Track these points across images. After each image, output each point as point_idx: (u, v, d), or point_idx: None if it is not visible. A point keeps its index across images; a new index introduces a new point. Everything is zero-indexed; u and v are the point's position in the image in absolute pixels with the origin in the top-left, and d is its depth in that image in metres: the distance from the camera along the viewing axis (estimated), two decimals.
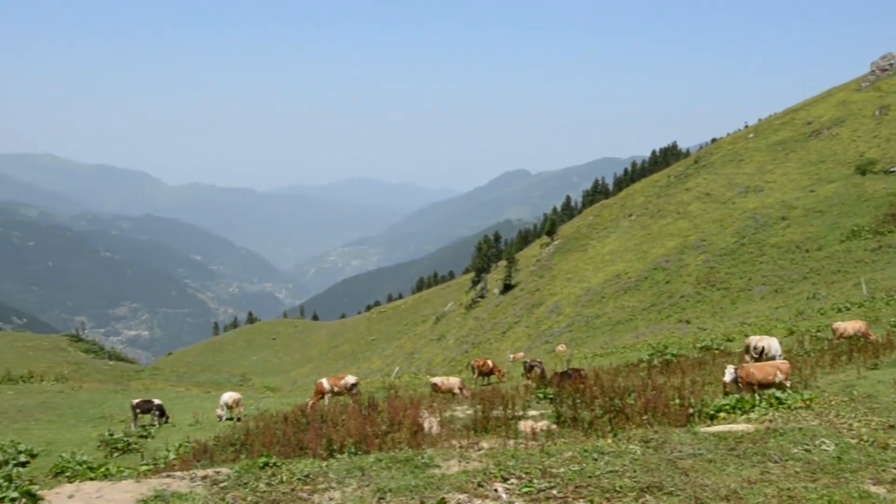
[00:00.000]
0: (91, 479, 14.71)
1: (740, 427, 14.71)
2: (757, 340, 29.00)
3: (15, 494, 10.89)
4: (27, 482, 13.66)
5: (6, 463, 24.97)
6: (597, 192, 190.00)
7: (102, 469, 18.48)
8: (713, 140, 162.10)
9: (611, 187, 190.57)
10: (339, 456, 14.32)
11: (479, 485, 11.13)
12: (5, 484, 13.72)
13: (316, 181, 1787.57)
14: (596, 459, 12.24)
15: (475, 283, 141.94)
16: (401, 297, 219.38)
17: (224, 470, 12.30)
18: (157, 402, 33.82)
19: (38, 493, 10.88)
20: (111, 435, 29.03)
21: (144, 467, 19.64)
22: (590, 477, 11.39)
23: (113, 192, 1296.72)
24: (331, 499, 10.87)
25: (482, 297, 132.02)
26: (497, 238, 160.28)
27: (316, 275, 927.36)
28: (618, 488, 10.88)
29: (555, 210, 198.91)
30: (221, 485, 11.51)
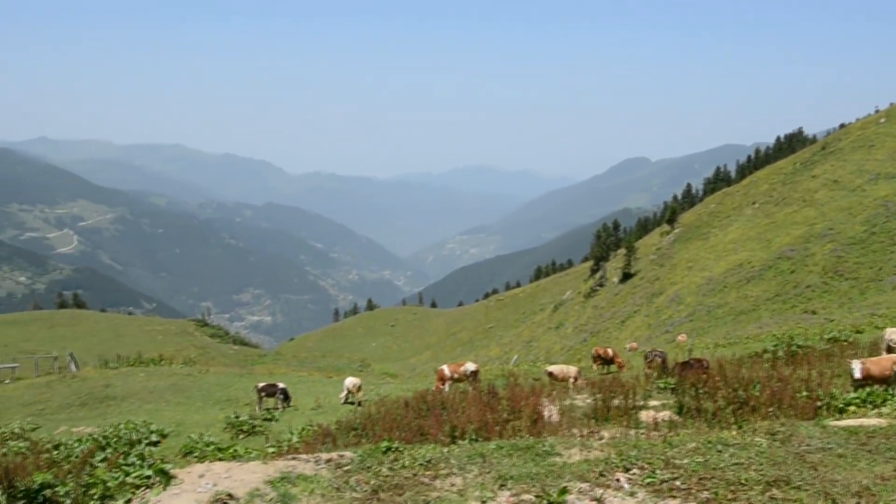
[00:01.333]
0: (220, 459, 15.09)
1: (872, 421, 14.25)
2: (892, 332, 28.05)
3: (149, 472, 11.25)
4: (159, 461, 14.11)
5: (139, 442, 25.87)
6: (719, 180, 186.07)
7: (231, 450, 18.96)
8: (841, 125, 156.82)
9: (733, 174, 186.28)
10: (460, 442, 14.39)
11: (601, 474, 11.03)
12: (139, 462, 14.22)
13: (435, 169, 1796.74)
14: (720, 451, 11.99)
15: (594, 271, 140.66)
16: (518, 285, 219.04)
17: (347, 454, 12.47)
18: (281, 386, 34.51)
19: (171, 471, 11.21)
20: (237, 417, 29.80)
21: (271, 449, 20.07)
22: (714, 469, 11.17)
23: (237, 181, 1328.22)
24: (452, 484, 10.91)
25: (601, 285, 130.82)
26: (616, 226, 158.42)
27: (434, 262, 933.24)
28: (743, 481, 10.65)
29: (675, 198, 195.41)
30: (345, 468, 11.68)
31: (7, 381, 49.18)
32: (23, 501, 10.57)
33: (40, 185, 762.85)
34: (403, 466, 11.65)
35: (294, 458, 12.27)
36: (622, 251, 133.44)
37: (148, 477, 11.19)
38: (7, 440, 27.92)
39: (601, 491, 10.46)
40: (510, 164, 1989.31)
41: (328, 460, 12.06)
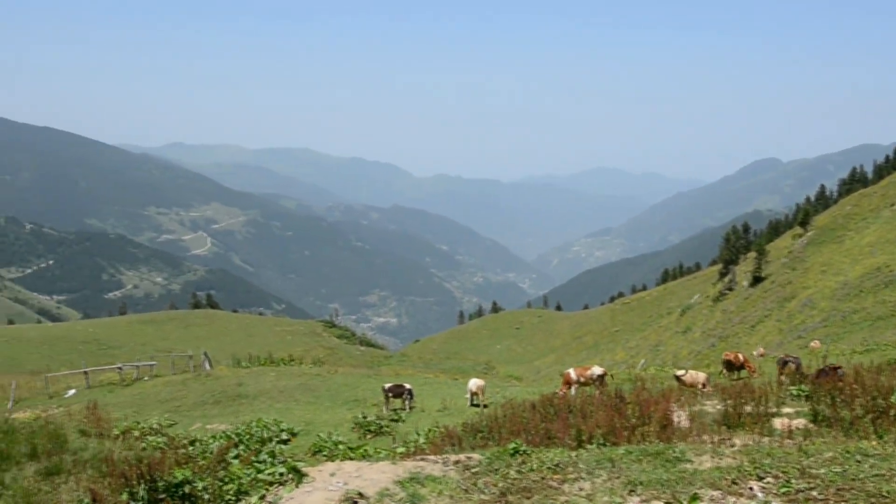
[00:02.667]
0: (350, 458, 15.33)
1: None
2: None
3: (282, 469, 11.51)
4: (289, 459, 14.41)
5: (270, 440, 26.49)
6: (854, 181, 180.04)
7: (361, 450, 19.24)
8: None
9: (870, 175, 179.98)
10: (587, 447, 14.28)
11: (734, 482, 10.80)
12: (270, 459, 14.56)
13: (561, 171, 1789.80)
14: (860, 462, 11.58)
15: (723, 275, 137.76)
16: (645, 288, 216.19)
17: (475, 456, 12.51)
18: (407, 387, 34.83)
19: (303, 469, 11.44)
20: (364, 417, 30.22)
21: (399, 450, 20.29)
22: (853, 480, 10.80)
23: (365, 184, 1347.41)
24: (581, 489, 10.84)
25: (730, 289, 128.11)
26: (746, 229, 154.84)
27: (559, 265, 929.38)
28: (885, 493, 10.26)
29: (808, 200, 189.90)
30: (473, 470, 11.72)
31: (146, 379, 50.95)
32: (163, 495, 10.94)
33: (176, 189, 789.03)
34: (531, 470, 11.62)
35: (422, 459, 12.38)
36: (752, 254, 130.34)
37: (281, 474, 11.45)
38: (146, 435, 28.93)
39: (734, 499, 10.24)
40: (637, 165, 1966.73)
41: (456, 462, 12.12)
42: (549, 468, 11.65)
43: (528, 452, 12.55)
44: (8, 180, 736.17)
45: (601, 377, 31.57)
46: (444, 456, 12.62)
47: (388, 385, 35.37)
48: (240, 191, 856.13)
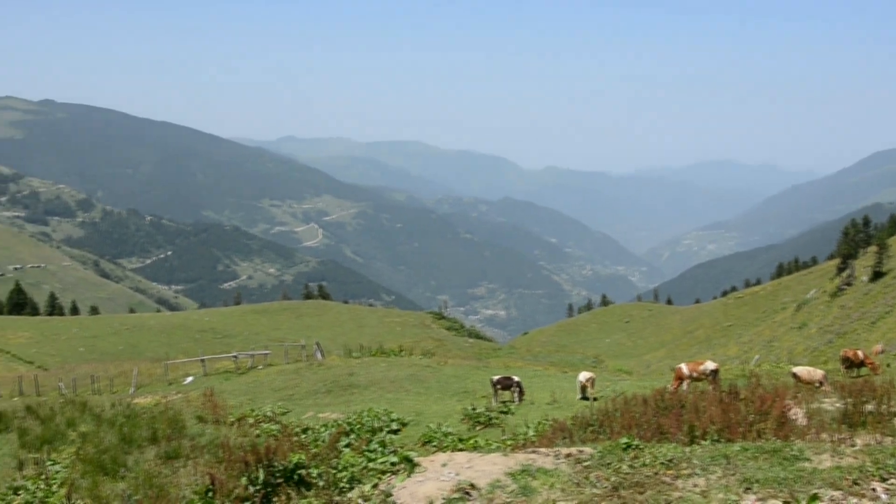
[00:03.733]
0: (461, 450, 15.40)
1: None
2: None
3: (395, 459, 11.65)
4: (400, 448, 14.56)
5: (380, 430, 26.77)
6: None
7: (471, 441, 19.32)
8: None
9: None
10: (701, 443, 14.07)
11: (855, 482, 10.50)
12: (380, 449, 14.73)
13: (674, 163, 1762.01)
14: None
15: (841, 269, 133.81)
16: (759, 282, 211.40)
17: (587, 449, 12.44)
18: (516, 379, 34.77)
19: (415, 459, 11.55)
20: (474, 409, 30.28)
21: (510, 442, 20.31)
22: None
23: (474, 176, 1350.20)
24: (695, 485, 10.69)
25: (849, 284, 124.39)
26: (866, 222, 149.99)
27: (670, 258, 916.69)
28: None
29: None
30: (585, 464, 11.66)
31: (260, 367, 52.05)
32: (280, 480, 11.18)
33: (289, 182, 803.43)
34: (644, 465, 11.50)
35: (534, 452, 12.36)
36: (873, 248, 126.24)
37: (393, 463, 11.58)
38: (260, 422, 29.54)
39: (855, 500, 9.97)
40: (751, 157, 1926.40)
41: (567, 455, 12.08)
42: (662, 463, 11.52)
43: (641, 447, 12.42)
44: (129, 174, 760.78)
45: (714, 372, 31.03)
46: (556, 449, 12.58)
47: (496, 377, 35.37)
48: (351, 183, 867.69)
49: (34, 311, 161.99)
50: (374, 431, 26.08)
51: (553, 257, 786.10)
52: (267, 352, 58.18)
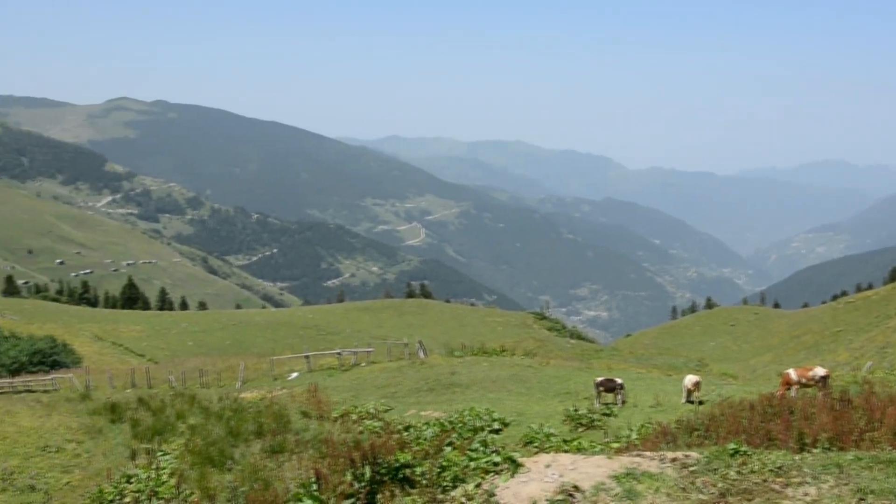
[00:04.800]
0: (565, 451, 15.35)
1: None
2: None
3: (498, 459, 11.65)
4: (501, 448, 14.55)
5: (482, 429, 26.78)
6: None
7: (575, 443, 19.25)
8: None
9: None
10: (812, 451, 13.73)
11: None
12: (482, 448, 14.72)
13: (782, 164, 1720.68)
14: None
15: None
16: (871, 286, 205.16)
17: (693, 454, 12.25)
18: (619, 381, 34.43)
19: (519, 459, 11.53)
20: (576, 410, 30.10)
21: (614, 444, 20.15)
22: None
23: (576, 176, 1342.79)
24: (805, 494, 10.44)
25: None
26: None
27: (777, 261, 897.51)
28: None
29: None
30: (691, 468, 11.48)
31: (363, 364, 52.59)
32: (385, 477, 11.29)
33: (392, 181, 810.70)
34: (752, 471, 11.27)
35: (638, 455, 12.23)
36: None
37: (496, 463, 11.58)
38: (363, 419, 29.88)
39: None
40: (862, 157, 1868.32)
41: (673, 459, 11.91)
42: (770, 470, 11.28)
43: (749, 453, 12.17)
44: (237, 172, 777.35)
45: (824, 378, 30.23)
46: (661, 453, 12.42)
47: (599, 379, 35.08)
48: (453, 183, 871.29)
49: (145, 306, 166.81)
50: (475, 431, 26.12)
51: (657, 259, 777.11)
52: (370, 349, 58.74)
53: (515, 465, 11.32)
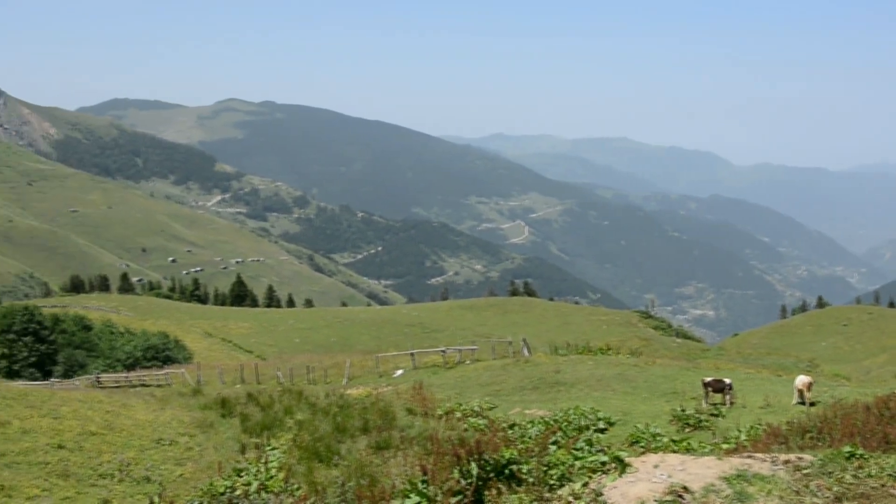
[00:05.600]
0: (673, 451, 15.14)
1: None
2: None
3: (605, 458, 11.55)
4: (606, 448, 14.42)
5: (587, 428, 26.63)
6: None
7: (684, 443, 18.99)
8: None
9: None
10: None
11: None
12: (587, 447, 14.61)
13: None
14: None
15: None
16: None
17: (807, 457, 11.95)
18: (727, 381, 33.85)
19: (626, 459, 11.41)
20: (683, 410, 29.70)
21: (725, 445, 19.81)
22: None
23: (682, 173, 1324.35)
24: None
25: None
26: None
27: (893, 259, 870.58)
28: None
29: None
30: (804, 471, 11.20)
31: (467, 362, 52.74)
32: (491, 474, 11.29)
33: (496, 179, 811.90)
34: (870, 475, 10.95)
35: (749, 457, 11.98)
36: None
37: (603, 463, 11.48)
38: (467, 416, 29.96)
39: None
40: None
41: (786, 461, 11.63)
42: (889, 475, 10.95)
43: (865, 457, 11.83)
44: (343, 171, 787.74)
45: None
46: (773, 455, 12.15)
47: (707, 379, 34.54)
48: (557, 180, 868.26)
49: (254, 303, 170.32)
50: (580, 430, 25.99)
51: (765, 257, 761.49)
52: (474, 347, 58.82)
53: (623, 465, 11.21)
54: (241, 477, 19.25)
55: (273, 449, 23.35)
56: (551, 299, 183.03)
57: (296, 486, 17.85)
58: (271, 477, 19.01)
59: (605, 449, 13.47)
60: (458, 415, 30.59)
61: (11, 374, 69.13)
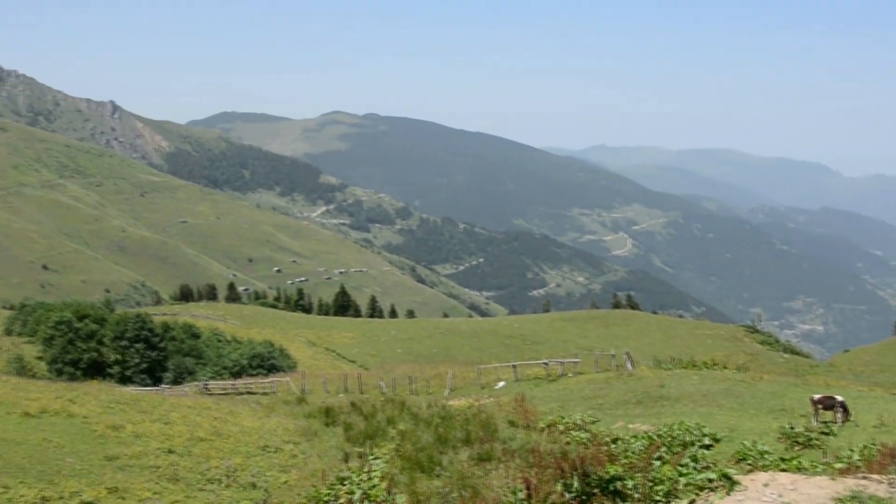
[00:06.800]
0: (783, 470, 14.75)
1: None
2: None
3: (712, 475, 11.32)
4: (712, 464, 14.13)
5: (692, 444, 26.13)
6: None
7: (794, 462, 18.47)
8: None
9: None
10: None
11: None
12: (692, 464, 14.35)
13: None
14: None
15: None
16: None
17: None
18: (839, 399, 32.91)
19: (735, 477, 11.17)
20: (792, 428, 28.92)
21: (838, 465, 19.23)
22: None
23: (790, 184, 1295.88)
24: None
25: None
26: None
27: None
28: None
29: None
30: None
31: (570, 375, 52.38)
32: (595, 489, 11.16)
33: (598, 191, 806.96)
34: None
35: (864, 478, 11.63)
36: None
37: (711, 480, 11.26)
38: (570, 430, 29.70)
39: None
40: None
41: None
42: None
43: None
44: (445, 183, 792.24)
45: None
46: (890, 476, 11.77)
47: (817, 396, 33.61)
48: (661, 192, 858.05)
49: (356, 313, 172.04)
50: (685, 445, 25.51)
51: (878, 271, 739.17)
52: (576, 360, 58.39)
53: (731, 483, 10.98)
54: (345, 485, 19.39)
55: (376, 458, 23.48)
56: (654, 312, 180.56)
57: (398, 496, 17.93)
58: (374, 486, 19.10)
59: (712, 465, 13.21)
60: (561, 428, 30.33)
61: (124, 380, 71.26)
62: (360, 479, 19.91)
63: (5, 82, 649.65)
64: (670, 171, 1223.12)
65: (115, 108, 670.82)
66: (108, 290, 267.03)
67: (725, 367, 55.35)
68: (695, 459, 17.31)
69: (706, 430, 28.60)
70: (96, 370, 74.76)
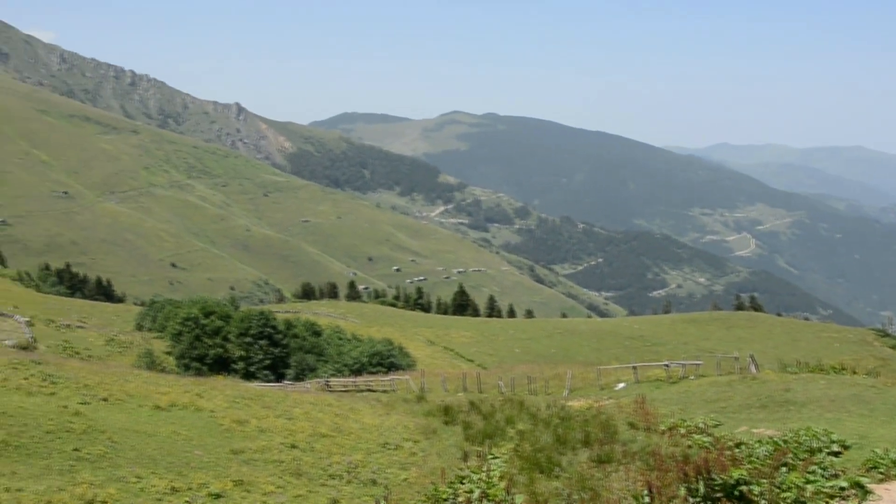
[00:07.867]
0: None
1: None
2: None
3: (844, 484, 10.99)
4: (841, 472, 13.70)
5: (819, 451, 25.41)
6: None
7: None
8: None
9: None
10: None
11: None
12: (820, 471, 13.94)
13: None
14: None
15: None
16: None
17: None
18: None
19: (868, 486, 10.83)
20: None
21: None
22: None
23: None
24: None
25: None
26: None
27: None
28: None
29: None
30: None
31: (691, 378, 51.53)
32: (719, 493, 10.94)
33: (720, 190, 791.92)
34: None
35: None
36: None
37: (842, 488, 10.94)
38: (691, 433, 29.21)
39: None
40: None
41: None
42: None
43: None
44: (563, 182, 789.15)
45: None
46: None
47: None
48: (786, 191, 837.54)
49: (475, 313, 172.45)
50: (812, 452, 24.83)
51: None
52: (698, 362, 57.37)
53: (864, 492, 10.65)
54: (464, 484, 19.46)
55: (494, 458, 23.51)
56: (779, 314, 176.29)
57: (518, 496, 17.91)
58: (493, 486, 19.13)
59: (840, 473, 12.84)
60: (682, 431, 29.85)
61: (248, 376, 72.99)
62: (479, 479, 19.98)
63: (137, 86, 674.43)
64: (795, 169, 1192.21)
65: (241, 109, 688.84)
66: (232, 288, 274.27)
67: (854, 372, 53.65)
68: (823, 467, 16.84)
69: (834, 437, 27.77)
70: (221, 366, 76.74)
